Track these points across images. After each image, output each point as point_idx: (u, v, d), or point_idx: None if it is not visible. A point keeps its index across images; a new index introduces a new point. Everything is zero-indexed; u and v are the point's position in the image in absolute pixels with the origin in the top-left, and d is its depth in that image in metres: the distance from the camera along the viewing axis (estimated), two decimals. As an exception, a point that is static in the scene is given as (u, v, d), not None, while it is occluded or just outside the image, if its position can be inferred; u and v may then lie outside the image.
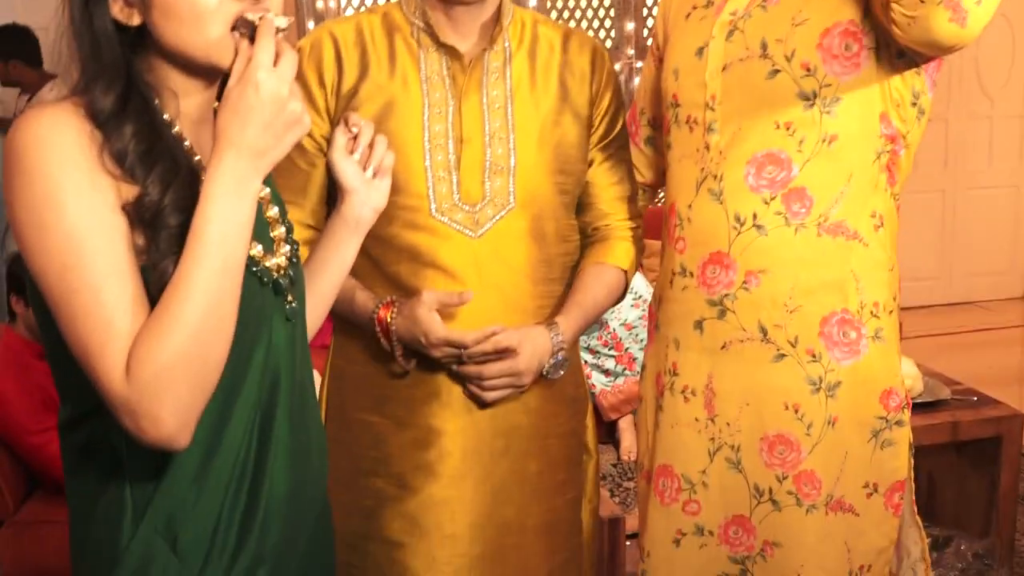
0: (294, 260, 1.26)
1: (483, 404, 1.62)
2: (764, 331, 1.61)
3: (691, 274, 1.66)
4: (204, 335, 1.03)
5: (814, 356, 1.60)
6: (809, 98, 1.55)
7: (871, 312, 1.61)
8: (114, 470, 1.13)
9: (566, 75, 1.67)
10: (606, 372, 3.85)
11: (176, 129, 1.14)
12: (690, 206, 1.66)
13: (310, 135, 1.60)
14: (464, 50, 1.61)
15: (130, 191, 1.07)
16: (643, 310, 3.83)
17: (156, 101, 1.13)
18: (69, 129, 1.05)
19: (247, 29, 1.08)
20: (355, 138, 1.40)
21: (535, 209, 1.63)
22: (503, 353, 1.56)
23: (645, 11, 4.86)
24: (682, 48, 1.69)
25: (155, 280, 1.06)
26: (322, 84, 1.60)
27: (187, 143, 1.15)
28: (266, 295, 1.20)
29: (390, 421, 1.64)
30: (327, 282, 1.40)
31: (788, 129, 1.57)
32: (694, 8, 1.70)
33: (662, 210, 1.79)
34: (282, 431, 1.20)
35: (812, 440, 1.61)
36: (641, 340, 3.82)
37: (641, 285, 3.91)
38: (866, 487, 1.62)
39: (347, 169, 1.39)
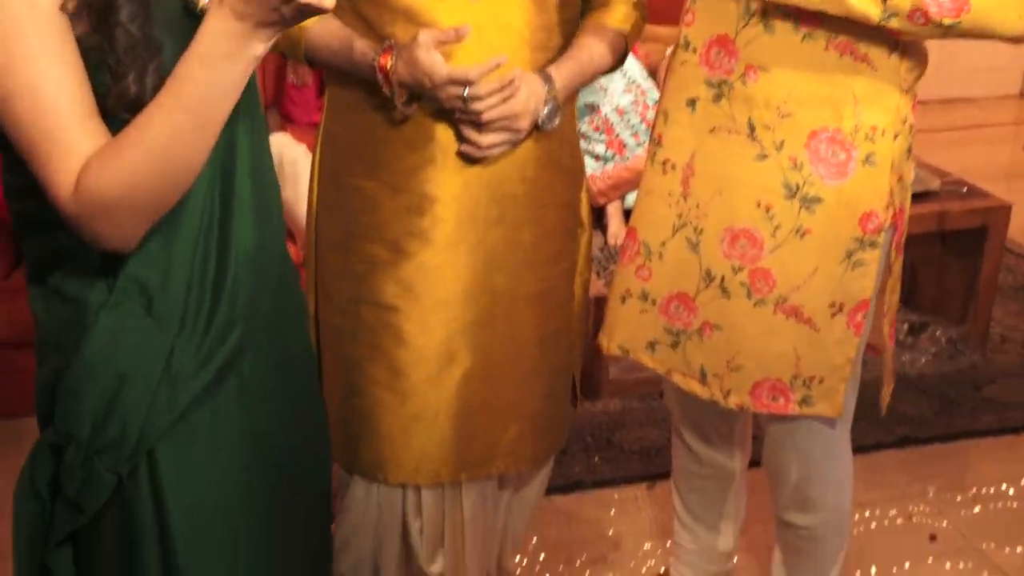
0: None
1: (477, 161, 1.59)
2: (752, 128, 1.59)
3: (694, 50, 1.62)
4: (161, 182, 1.01)
5: (795, 164, 1.58)
6: None
7: (866, 135, 1.57)
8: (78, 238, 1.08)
9: None
10: (596, 157, 3.82)
11: None
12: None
13: None
14: None
15: None
16: (635, 96, 3.77)
17: None
18: None
19: None
20: None
21: None
22: (504, 90, 1.52)
23: None
24: None
25: (115, 97, 1.02)
26: None
27: None
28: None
29: (384, 186, 1.62)
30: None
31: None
32: None
33: None
34: (244, 187, 1.17)
35: (775, 242, 1.61)
36: (632, 126, 3.77)
37: (635, 70, 3.83)
38: (832, 306, 1.63)
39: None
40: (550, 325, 1.76)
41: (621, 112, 3.81)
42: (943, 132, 5.30)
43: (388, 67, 1.51)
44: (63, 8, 1.00)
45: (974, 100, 5.87)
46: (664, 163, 1.69)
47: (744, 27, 1.56)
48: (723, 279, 1.65)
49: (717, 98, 1.61)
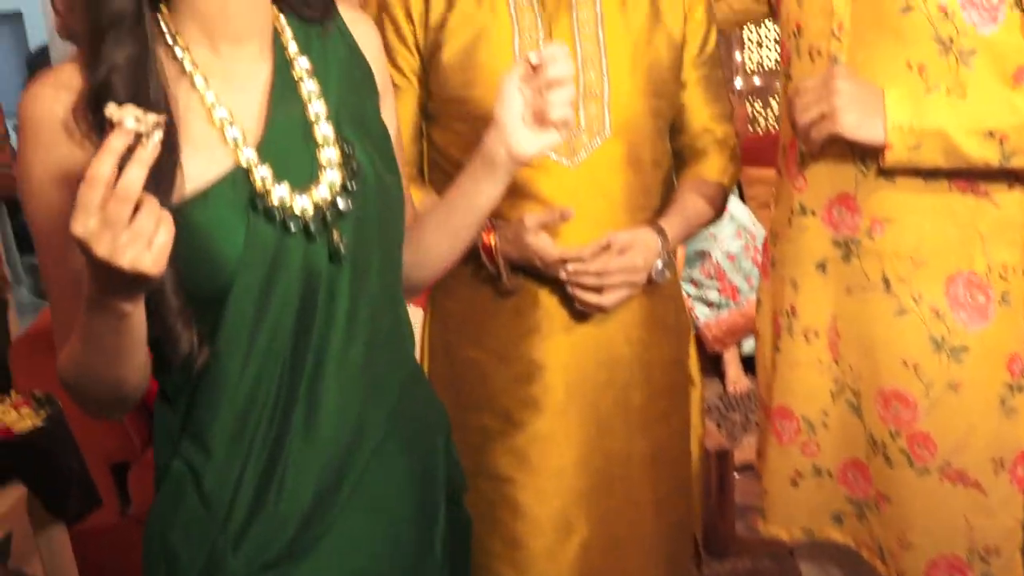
0: (351, 188, 1.11)
1: (583, 325, 1.60)
2: (887, 282, 1.54)
3: (813, 212, 1.59)
4: (95, 379, 1.05)
5: (937, 315, 1.52)
6: (944, 43, 1.45)
7: (999, 274, 1.52)
8: (164, 399, 1.16)
9: None
10: (709, 304, 3.80)
11: (189, 69, 1.08)
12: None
13: (398, 69, 1.58)
14: None
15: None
16: (745, 240, 3.76)
17: (167, 35, 1.08)
18: (47, 103, 1.03)
19: (111, 124, 0.90)
20: (536, 69, 1.17)
21: (630, 135, 1.59)
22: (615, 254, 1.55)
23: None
24: None
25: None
26: (409, 17, 1.58)
27: (198, 78, 1.07)
28: (294, 243, 1.08)
29: (493, 356, 1.64)
30: (458, 219, 1.25)
31: (921, 73, 1.47)
32: None
33: (768, 140, 1.72)
34: (326, 380, 1.12)
35: (930, 401, 1.54)
36: (744, 271, 3.75)
37: (743, 215, 3.84)
38: (993, 461, 1.54)
39: (506, 96, 1.18)
40: (667, 486, 1.72)
41: (732, 258, 3.80)
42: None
43: (492, 245, 1.55)
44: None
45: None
46: (805, 333, 1.64)
47: (864, 181, 1.53)
48: (884, 446, 1.58)
49: (847, 257, 1.56)
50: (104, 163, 0.86)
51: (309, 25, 1.17)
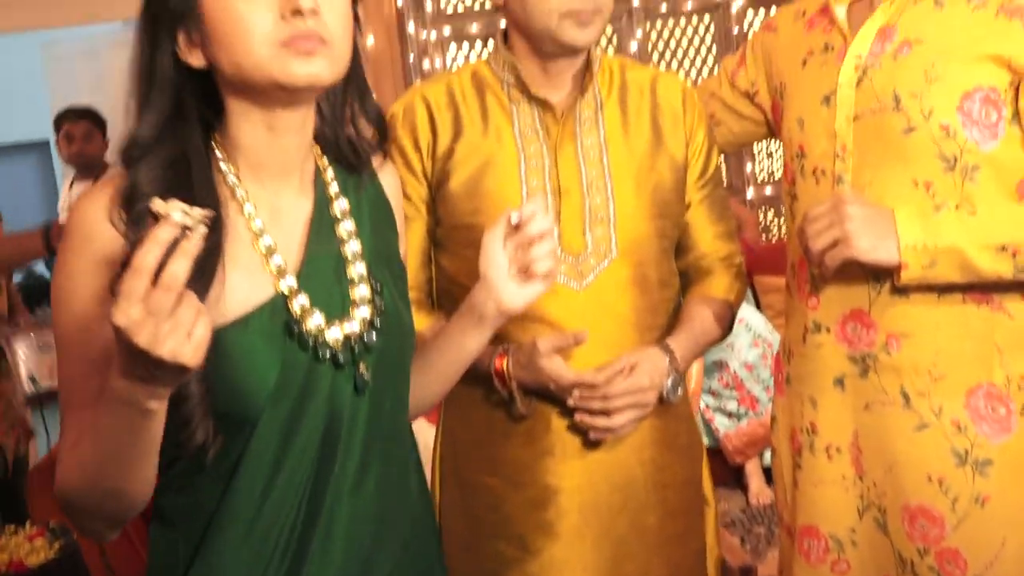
0: (378, 325, 1.17)
1: (596, 448, 1.59)
2: (906, 397, 1.53)
3: (827, 330, 1.59)
4: (101, 487, 1.04)
5: (959, 428, 1.51)
6: (948, 161, 1.47)
7: (1018, 386, 1.51)
8: (169, 524, 1.15)
9: (658, 118, 1.65)
10: (729, 414, 3.77)
11: (240, 191, 1.13)
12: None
13: (407, 198, 1.61)
14: (556, 101, 1.61)
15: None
16: (763, 349, 3.74)
17: (222, 161, 1.13)
18: (90, 202, 1.08)
19: (153, 218, 0.94)
20: (517, 227, 1.25)
21: (637, 256, 1.61)
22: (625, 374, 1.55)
23: (746, 45, 4.80)
24: (804, 96, 1.61)
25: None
26: (417, 147, 1.61)
27: (248, 206, 1.13)
28: (323, 370, 1.13)
29: (506, 481, 1.62)
30: (444, 363, 1.32)
31: (927, 190, 1.49)
32: (810, 54, 1.63)
33: (781, 248, 1.73)
34: (340, 510, 1.14)
35: (957, 517, 1.51)
36: (763, 380, 3.72)
37: (759, 323, 3.83)
38: None
39: (491, 254, 1.27)
40: None
41: (750, 367, 3.78)
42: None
43: (505, 370, 1.55)
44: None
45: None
46: (827, 449, 1.62)
47: (877, 297, 1.53)
48: (913, 564, 1.55)
49: (864, 373, 1.56)
50: (150, 253, 0.89)
51: (347, 170, 1.25)
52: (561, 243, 1.58)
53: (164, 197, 0.94)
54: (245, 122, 1.13)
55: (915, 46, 1.49)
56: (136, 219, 1.05)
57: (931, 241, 1.43)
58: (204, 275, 1.03)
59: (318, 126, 1.21)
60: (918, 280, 1.46)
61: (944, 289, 1.49)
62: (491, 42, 4.58)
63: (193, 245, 0.90)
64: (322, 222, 1.19)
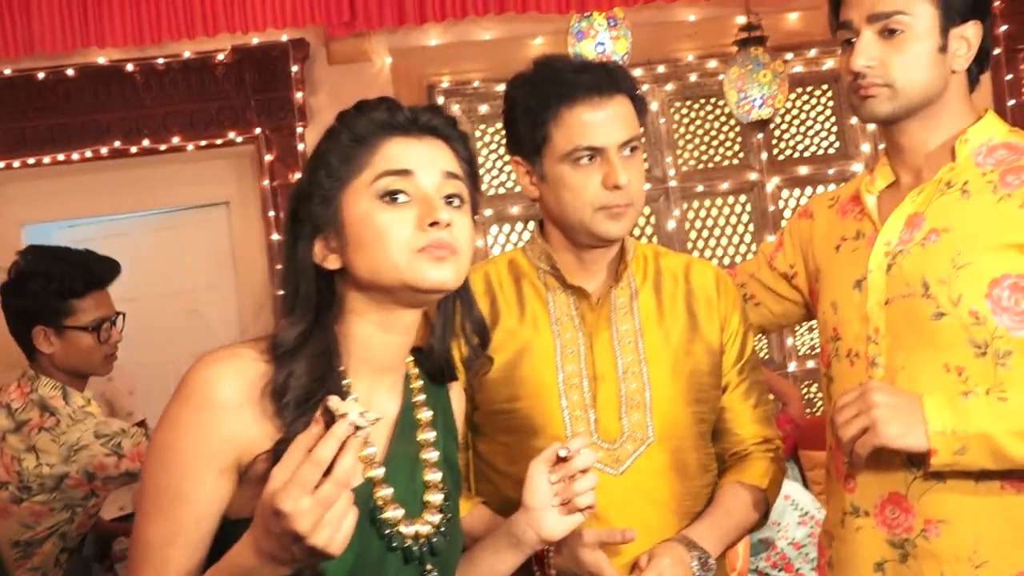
0: (444, 530, 1.24)
1: None
2: None
3: (866, 513, 1.58)
4: None
5: None
6: (979, 347, 1.50)
7: None
8: None
9: (692, 304, 1.69)
10: (778, 596, 3.66)
11: (347, 381, 1.20)
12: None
13: None
14: (591, 289, 1.66)
15: (272, 438, 1.13)
16: (811, 527, 3.66)
17: (337, 354, 1.20)
18: (228, 386, 1.14)
19: (329, 418, 1.06)
20: (563, 460, 1.32)
21: (675, 441, 1.62)
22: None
23: (783, 222, 4.90)
24: (838, 280, 1.66)
25: None
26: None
27: (353, 396, 1.19)
28: (392, 559, 1.19)
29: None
30: (479, 574, 1.37)
31: (960, 374, 1.50)
32: (843, 240, 1.68)
33: (823, 422, 1.73)
34: None
35: None
36: (812, 559, 3.63)
37: (806, 500, 3.76)
38: None
39: (537, 485, 1.33)
40: None
41: (798, 546, 3.69)
42: None
43: (546, 558, 1.53)
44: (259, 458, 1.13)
45: None
46: None
47: (913, 482, 1.52)
48: None
49: (903, 558, 1.54)
50: (329, 448, 0.99)
51: (431, 381, 1.33)
52: (598, 430, 1.60)
53: (312, 391, 1.07)
54: (362, 319, 1.22)
55: (943, 234, 1.53)
56: (285, 409, 1.13)
57: (960, 427, 1.44)
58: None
59: (426, 336, 1.31)
60: (949, 466, 1.46)
61: (981, 475, 1.48)
62: (531, 224, 4.72)
63: (359, 443, 1.00)
64: (407, 424, 1.27)
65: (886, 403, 1.46)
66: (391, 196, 1.19)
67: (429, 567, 1.22)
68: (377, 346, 1.23)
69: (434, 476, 1.26)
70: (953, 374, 1.50)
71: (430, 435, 1.28)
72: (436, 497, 1.25)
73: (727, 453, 1.72)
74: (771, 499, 1.71)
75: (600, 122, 1.58)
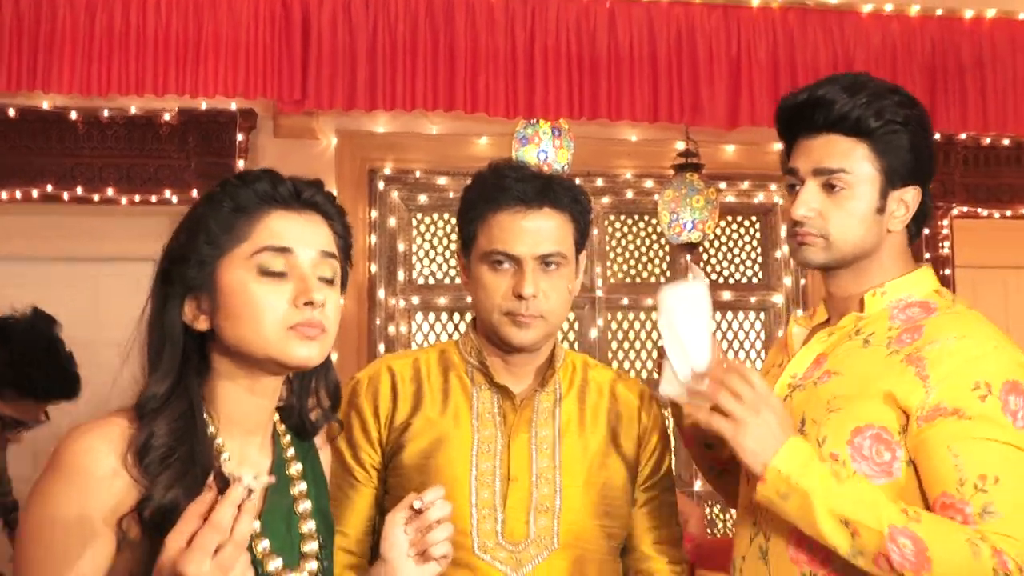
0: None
1: None
2: None
3: None
4: None
5: None
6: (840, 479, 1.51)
7: None
8: None
9: (614, 418, 1.72)
10: None
11: (219, 441, 1.22)
12: (743, 557, 1.63)
13: (360, 464, 1.66)
14: (516, 391, 1.68)
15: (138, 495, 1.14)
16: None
17: (205, 412, 1.22)
18: (98, 456, 1.14)
19: (222, 483, 1.09)
20: (418, 512, 1.35)
21: (578, 551, 1.63)
22: None
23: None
24: None
25: None
26: (376, 416, 1.67)
27: (225, 455, 1.22)
28: None
29: None
30: None
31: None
32: (772, 366, 1.76)
33: (726, 543, 1.75)
34: None
35: None
36: None
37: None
38: None
39: (394, 538, 1.36)
40: None
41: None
42: None
43: None
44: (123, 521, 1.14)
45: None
46: None
47: None
48: None
49: None
50: (228, 511, 1.02)
51: (299, 437, 1.37)
52: (504, 530, 1.61)
53: (173, 449, 1.10)
54: (229, 382, 1.25)
55: (833, 377, 1.59)
56: (148, 468, 1.14)
57: (795, 477, 1.46)
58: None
59: (284, 395, 1.33)
60: (769, 504, 1.49)
61: None
62: (456, 315, 4.75)
63: (254, 506, 1.03)
64: (279, 479, 1.29)
65: (766, 420, 1.48)
66: (269, 272, 1.22)
67: None
68: (246, 407, 1.26)
69: (309, 526, 1.29)
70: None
71: (302, 487, 1.32)
72: (312, 546, 1.28)
73: (632, 570, 1.74)
74: None
75: (520, 231, 1.62)
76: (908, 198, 1.63)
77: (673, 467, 1.80)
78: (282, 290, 1.21)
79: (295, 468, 1.33)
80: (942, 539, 1.42)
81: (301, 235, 1.24)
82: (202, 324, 1.23)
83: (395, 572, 1.36)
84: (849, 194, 1.59)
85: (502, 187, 1.64)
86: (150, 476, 1.14)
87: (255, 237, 1.22)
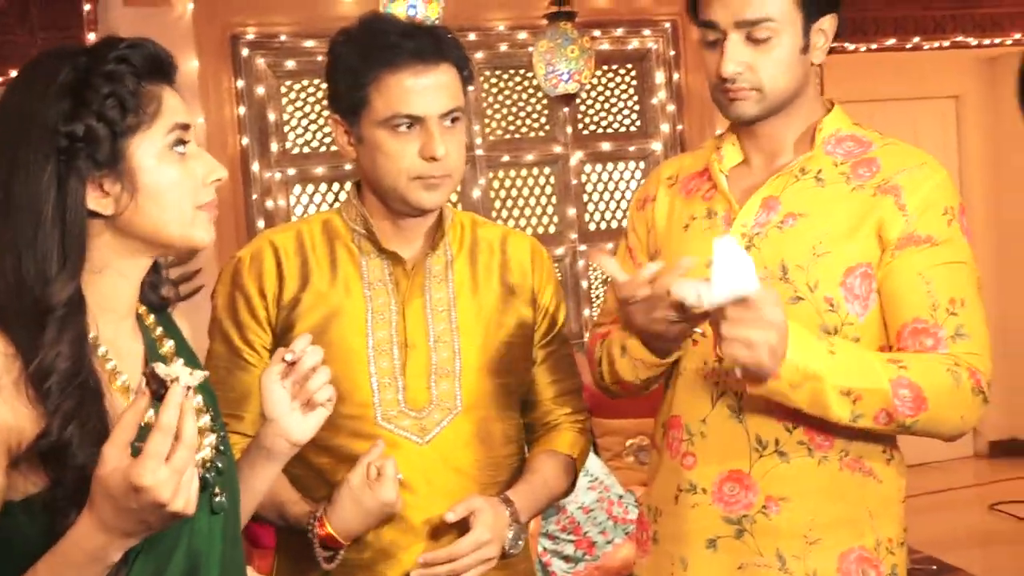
0: (222, 449, 1.24)
1: None
2: (782, 559, 1.57)
3: (703, 490, 1.61)
4: None
5: None
6: (830, 332, 1.54)
7: (887, 548, 1.59)
8: None
9: (507, 275, 1.70)
10: (566, 558, 3.77)
11: (92, 335, 1.14)
12: (704, 420, 1.61)
13: (249, 345, 1.61)
14: (407, 256, 1.64)
15: (36, 424, 1.06)
16: (599, 492, 3.79)
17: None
18: None
19: (157, 385, 1.04)
20: (292, 364, 1.33)
21: (482, 412, 1.63)
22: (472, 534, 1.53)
23: (585, 197, 5.02)
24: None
25: (58, 525, 1.06)
26: (263, 295, 1.61)
27: (102, 349, 1.16)
28: None
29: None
30: (246, 496, 1.35)
31: None
32: (692, 219, 1.68)
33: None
34: None
35: None
36: (599, 523, 3.76)
37: (597, 467, 3.87)
38: None
39: (273, 395, 1.34)
40: None
41: (587, 510, 3.80)
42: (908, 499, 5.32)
43: (330, 533, 1.51)
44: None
45: (933, 464, 5.96)
46: None
47: (759, 460, 1.57)
48: None
49: (739, 534, 1.58)
50: (173, 414, 1.00)
51: (159, 310, 1.30)
52: (405, 397, 1.59)
53: (77, 374, 1.06)
54: (109, 269, 1.17)
55: (799, 219, 1.58)
56: (49, 394, 1.06)
57: (804, 365, 1.43)
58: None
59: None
60: (774, 396, 1.45)
61: (824, 456, 1.55)
62: (336, 184, 4.64)
63: (193, 404, 1.02)
64: (155, 360, 1.22)
65: (775, 329, 1.40)
66: (180, 147, 1.17)
67: (217, 490, 1.21)
68: (121, 294, 1.20)
69: (197, 400, 1.23)
70: None
71: (180, 363, 1.24)
72: (204, 420, 1.23)
73: (537, 424, 1.75)
74: (579, 468, 1.76)
75: (422, 90, 1.55)
76: (826, 26, 1.60)
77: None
78: (195, 173, 1.18)
79: (168, 346, 1.27)
80: (930, 377, 1.47)
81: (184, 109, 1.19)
82: (110, 208, 1.14)
83: (282, 429, 1.34)
84: (776, 41, 1.55)
85: (392, 45, 1.55)
86: (52, 403, 1.06)
87: (164, 115, 1.16)
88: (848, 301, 1.54)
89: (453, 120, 1.58)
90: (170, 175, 1.15)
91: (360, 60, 1.56)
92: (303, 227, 1.68)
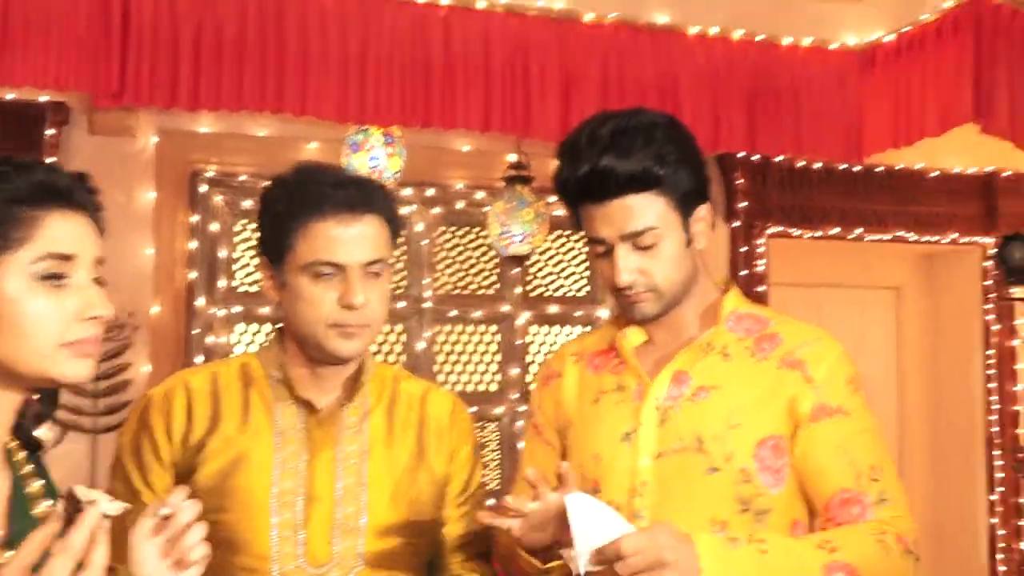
0: None
1: None
2: None
3: None
4: None
5: None
6: (746, 503, 1.57)
7: None
8: None
9: (423, 432, 1.67)
10: None
11: None
12: None
13: (150, 486, 1.56)
14: (321, 405, 1.61)
15: None
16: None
17: None
18: None
19: (72, 508, 1.01)
20: (167, 519, 1.24)
21: (384, 572, 1.57)
22: None
23: (529, 357, 5.02)
24: (600, 434, 1.66)
25: None
26: (169, 435, 1.57)
27: None
28: None
29: None
30: None
31: (724, 529, 1.55)
32: (602, 393, 1.70)
33: None
34: None
35: None
36: None
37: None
38: None
39: (140, 552, 1.23)
40: None
41: None
42: None
43: None
44: None
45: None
46: None
47: None
48: None
49: None
50: (82, 537, 0.98)
51: (30, 451, 1.27)
52: (306, 552, 1.54)
53: None
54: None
55: (712, 391, 1.62)
56: None
57: None
58: None
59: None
60: None
61: None
62: (280, 325, 4.61)
63: (105, 533, 0.99)
64: (20, 499, 1.20)
65: (671, 552, 1.39)
66: (53, 279, 1.14)
67: None
68: None
69: (41, 508, 1.20)
70: (718, 528, 1.55)
71: (45, 505, 1.22)
72: None
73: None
74: None
75: (347, 239, 1.55)
76: (703, 214, 1.67)
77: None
78: (63, 308, 1.14)
79: (35, 485, 1.22)
80: (861, 552, 1.50)
81: (83, 241, 1.17)
82: None
83: None
84: (662, 244, 1.62)
85: (322, 194, 1.57)
86: None
87: (36, 241, 1.13)
88: (761, 472, 1.58)
89: (376, 271, 1.58)
90: (32, 306, 1.12)
91: (288, 206, 1.58)
92: (220, 369, 1.65)
